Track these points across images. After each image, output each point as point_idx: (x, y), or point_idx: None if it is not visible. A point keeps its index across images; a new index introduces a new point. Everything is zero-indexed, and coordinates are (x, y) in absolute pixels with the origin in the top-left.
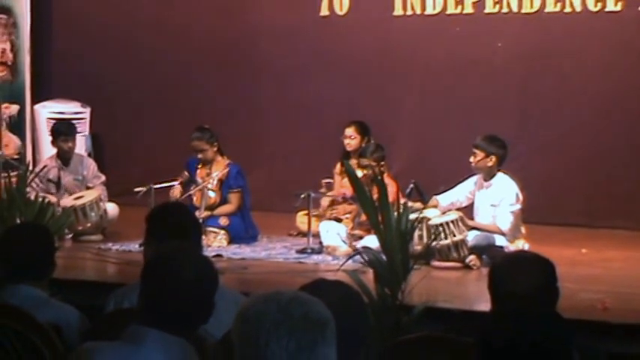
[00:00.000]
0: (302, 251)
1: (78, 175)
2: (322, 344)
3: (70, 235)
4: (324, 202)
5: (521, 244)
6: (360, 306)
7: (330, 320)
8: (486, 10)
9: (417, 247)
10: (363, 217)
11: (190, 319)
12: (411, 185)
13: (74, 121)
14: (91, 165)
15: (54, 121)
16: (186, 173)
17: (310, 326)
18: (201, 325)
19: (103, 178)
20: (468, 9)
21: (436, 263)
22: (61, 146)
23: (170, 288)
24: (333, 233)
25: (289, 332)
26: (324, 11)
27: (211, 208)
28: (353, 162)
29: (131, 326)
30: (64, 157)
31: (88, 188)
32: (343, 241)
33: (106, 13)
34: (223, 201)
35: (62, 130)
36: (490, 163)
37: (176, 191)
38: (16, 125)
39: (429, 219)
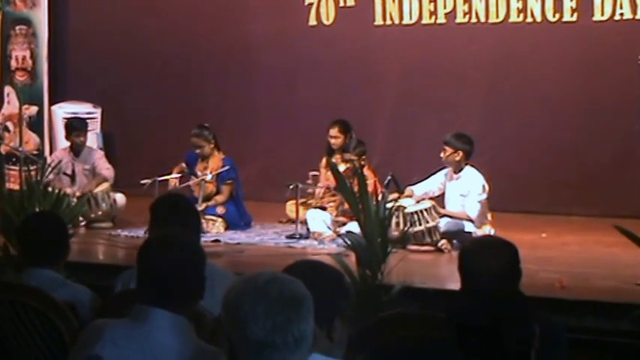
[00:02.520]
0: (291, 236)
1: (87, 164)
2: (297, 321)
3: (84, 223)
4: (319, 192)
5: (488, 230)
6: (336, 279)
7: (305, 297)
8: (457, 21)
9: (394, 232)
10: (346, 206)
11: (182, 295)
12: (389, 177)
13: (87, 120)
14: (98, 155)
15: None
16: (183, 165)
17: (285, 305)
18: (195, 300)
19: (110, 167)
20: (441, 19)
21: (412, 247)
22: (74, 140)
23: (160, 269)
24: (319, 220)
25: (265, 313)
26: (312, 21)
27: (209, 198)
28: (337, 157)
29: (136, 305)
30: (76, 150)
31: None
32: (328, 228)
33: (116, 24)
34: (218, 192)
35: (75, 125)
36: (458, 158)
37: (174, 182)
38: (35, 124)
39: (404, 207)
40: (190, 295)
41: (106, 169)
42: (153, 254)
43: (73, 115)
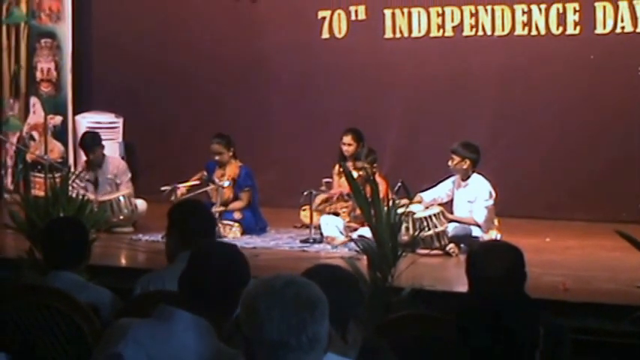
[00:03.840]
0: (305, 241)
1: (109, 174)
2: (311, 323)
3: (105, 228)
4: (318, 199)
5: (494, 235)
6: (352, 283)
7: (320, 300)
8: (464, 33)
9: (404, 237)
10: (358, 212)
11: (220, 306)
12: (399, 184)
13: (109, 130)
14: (120, 164)
15: (87, 131)
16: (204, 173)
17: (300, 307)
18: (229, 313)
19: (130, 175)
20: (449, 32)
21: (421, 251)
22: (90, 156)
23: (209, 277)
24: (332, 225)
25: (281, 314)
26: (325, 34)
27: (225, 203)
28: (349, 164)
29: (160, 306)
30: (96, 163)
31: (117, 185)
32: (341, 233)
33: (138, 37)
34: (235, 198)
35: (88, 143)
36: (465, 166)
37: (181, 192)
38: (60, 133)
39: (414, 213)
40: (226, 306)
41: (126, 182)
42: (205, 264)
43: (95, 125)
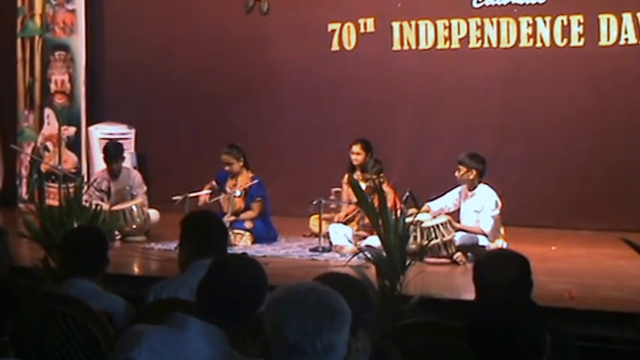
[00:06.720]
0: (314, 250)
1: (125, 185)
2: (328, 331)
3: (119, 237)
4: (343, 212)
5: (501, 243)
6: (361, 291)
7: (341, 311)
8: (470, 46)
9: (412, 246)
10: (367, 221)
11: (236, 316)
12: (407, 194)
13: (121, 141)
14: (136, 177)
15: (105, 141)
16: (214, 182)
17: (319, 315)
18: (244, 323)
19: (145, 188)
20: (455, 44)
21: (429, 260)
22: (111, 166)
23: (229, 289)
24: (341, 234)
25: (299, 319)
26: (335, 47)
27: (237, 213)
28: (358, 174)
29: (174, 314)
30: (114, 173)
31: (132, 197)
32: (349, 241)
33: (150, 49)
34: (247, 208)
35: (111, 153)
36: (472, 176)
37: (204, 198)
38: (74, 144)
39: (422, 222)
40: (244, 320)
41: (142, 194)
42: (224, 275)
43: (108, 136)
